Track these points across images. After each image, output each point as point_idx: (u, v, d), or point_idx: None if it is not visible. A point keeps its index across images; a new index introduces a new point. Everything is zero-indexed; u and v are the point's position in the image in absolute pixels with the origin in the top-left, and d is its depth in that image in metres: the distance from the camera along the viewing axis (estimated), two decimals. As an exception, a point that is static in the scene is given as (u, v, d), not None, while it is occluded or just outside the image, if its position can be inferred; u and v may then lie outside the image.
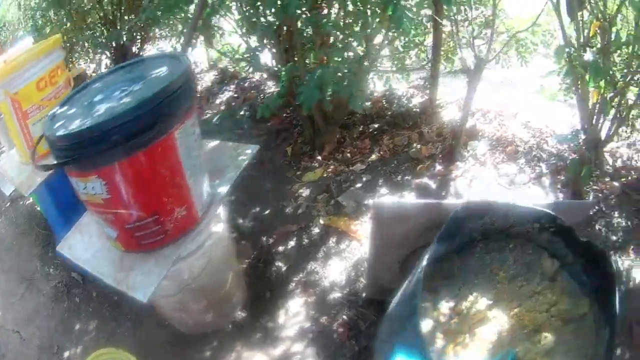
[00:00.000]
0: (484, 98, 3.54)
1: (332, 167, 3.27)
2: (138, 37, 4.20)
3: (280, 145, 3.54)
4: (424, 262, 1.76)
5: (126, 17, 4.04)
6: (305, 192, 3.20)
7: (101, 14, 4.05)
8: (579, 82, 2.61)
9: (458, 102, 3.56)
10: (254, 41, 3.14)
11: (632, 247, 3.07)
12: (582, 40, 2.46)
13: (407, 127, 3.43)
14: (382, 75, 3.43)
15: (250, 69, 3.49)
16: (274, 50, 3.11)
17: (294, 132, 3.58)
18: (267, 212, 3.19)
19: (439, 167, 3.21)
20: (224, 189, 2.13)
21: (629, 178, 3.33)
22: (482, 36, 3.16)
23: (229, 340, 2.53)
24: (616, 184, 3.24)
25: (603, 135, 2.91)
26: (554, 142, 3.32)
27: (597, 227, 3.08)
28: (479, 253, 2.12)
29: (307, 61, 3.05)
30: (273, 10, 2.80)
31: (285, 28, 3.00)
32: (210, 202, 2.07)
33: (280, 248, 2.96)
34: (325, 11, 2.99)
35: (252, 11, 2.99)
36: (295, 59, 2.94)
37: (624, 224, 3.09)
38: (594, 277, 1.92)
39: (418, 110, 3.56)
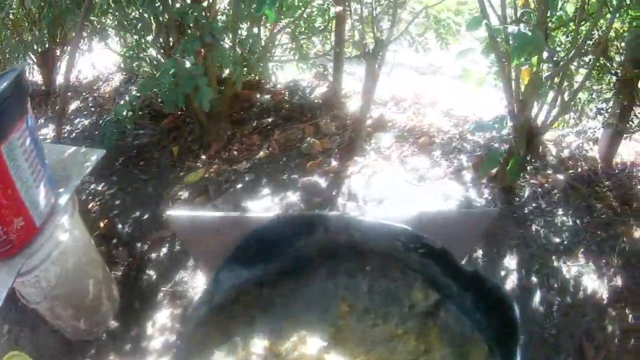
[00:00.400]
0: (402, 85, 2.96)
1: (215, 166, 2.74)
2: (58, 40, 3.90)
3: (169, 144, 3.11)
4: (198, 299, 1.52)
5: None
6: (184, 194, 2.78)
7: (28, 18, 3.78)
8: (504, 61, 2.17)
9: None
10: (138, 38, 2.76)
11: (581, 250, 2.39)
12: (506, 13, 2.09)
13: (304, 120, 2.86)
14: (282, 66, 2.91)
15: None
16: (159, 45, 2.71)
17: (186, 130, 3.09)
18: (145, 216, 2.87)
19: (334, 163, 2.60)
20: (64, 199, 2.09)
21: (578, 170, 2.59)
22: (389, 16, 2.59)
23: (105, 349, 2.45)
24: (561, 176, 2.56)
25: (540, 121, 2.42)
26: (481, 134, 2.66)
27: (534, 227, 2.40)
28: (321, 277, 1.61)
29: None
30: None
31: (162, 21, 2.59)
32: (51, 212, 2.03)
33: (153, 255, 2.68)
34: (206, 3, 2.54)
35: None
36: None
37: (570, 222, 2.43)
38: (492, 315, 1.37)
39: (320, 101, 2.99)
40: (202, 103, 2.31)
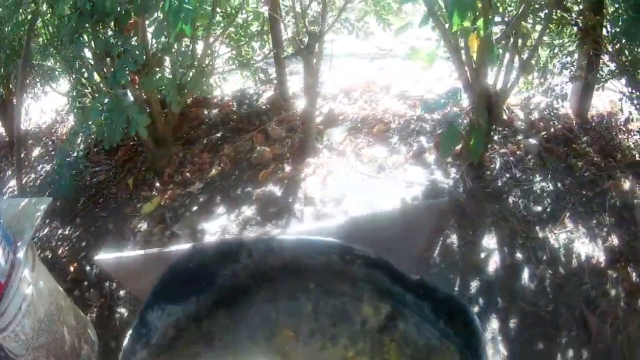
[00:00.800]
0: (352, 75, 2.72)
1: (170, 192, 2.52)
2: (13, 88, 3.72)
3: (124, 177, 2.86)
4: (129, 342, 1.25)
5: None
6: (143, 226, 2.52)
7: None
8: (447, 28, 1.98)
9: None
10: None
11: (567, 214, 2.16)
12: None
13: (253, 128, 2.62)
14: (225, 77, 2.68)
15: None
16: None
17: (139, 160, 2.88)
18: None
19: (287, 169, 2.35)
20: (22, 252, 1.96)
21: (551, 130, 2.33)
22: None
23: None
24: (533, 141, 2.30)
25: (499, 87, 2.17)
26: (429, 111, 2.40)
27: (510, 200, 2.13)
28: (261, 303, 1.40)
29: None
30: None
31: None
32: (12, 267, 1.93)
33: (122, 293, 2.46)
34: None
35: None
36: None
37: (550, 187, 2.17)
38: (456, 322, 1.17)
39: (267, 106, 2.75)
40: (139, 131, 2.09)
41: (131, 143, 2.95)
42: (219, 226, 2.27)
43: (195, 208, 2.40)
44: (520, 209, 2.17)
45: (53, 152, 3.52)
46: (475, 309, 1.97)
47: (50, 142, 3.65)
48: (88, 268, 2.62)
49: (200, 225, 2.32)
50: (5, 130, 3.86)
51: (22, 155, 3.09)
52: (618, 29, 2.17)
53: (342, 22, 2.53)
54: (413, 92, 2.59)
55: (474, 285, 2.02)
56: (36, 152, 3.68)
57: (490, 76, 2.13)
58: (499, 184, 2.25)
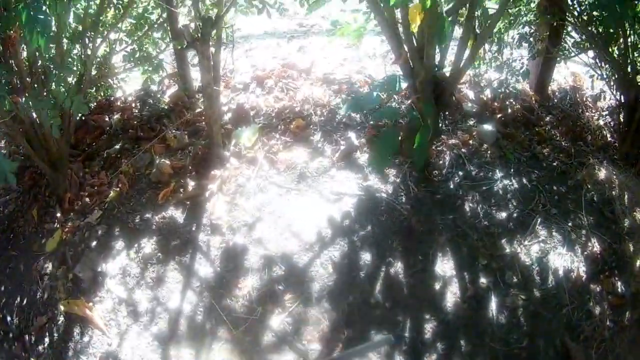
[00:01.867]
0: (267, 59, 2.08)
1: (70, 223, 1.99)
2: None
3: (30, 207, 2.23)
4: None
5: None
6: (49, 266, 1.99)
7: None
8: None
9: (225, 78, 2.08)
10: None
11: (539, 219, 1.70)
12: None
13: (154, 135, 1.99)
14: (125, 77, 2.03)
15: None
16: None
17: (43, 183, 2.25)
18: (24, 301, 2.10)
19: (189, 186, 1.74)
20: None
21: (509, 111, 1.78)
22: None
23: None
24: (488, 126, 1.77)
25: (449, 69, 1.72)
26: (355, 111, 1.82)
27: (467, 207, 1.74)
28: None
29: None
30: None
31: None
32: None
33: (40, 348, 1.95)
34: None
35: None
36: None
37: (515, 185, 1.93)
38: None
39: (170, 106, 2.12)
40: (8, 179, 1.53)
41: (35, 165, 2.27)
42: (120, 267, 1.68)
43: (94, 243, 1.87)
44: (480, 218, 1.66)
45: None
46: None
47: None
48: (9, 318, 2.08)
49: (100, 266, 1.74)
50: None
51: None
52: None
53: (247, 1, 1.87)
54: (338, 74, 2.02)
55: (430, 327, 1.49)
56: None
57: (437, 57, 1.56)
58: (451, 186, 1.71)
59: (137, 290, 1.70)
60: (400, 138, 1.65)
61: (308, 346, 1.46)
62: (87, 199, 2.05)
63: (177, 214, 1.82)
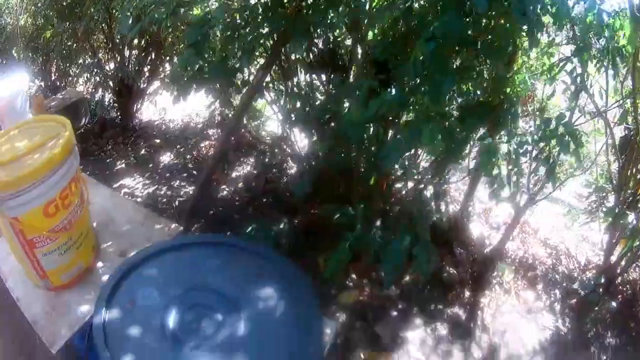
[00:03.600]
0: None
1: (367, 288, 2.59)
2: (146, 71, 3.00)
3: (310, 252, 2.65)
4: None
5: (135, 43, 2.83)
6: (341, 316, 2.52)
7: (106, 38, 2.82)
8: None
9: (485, 212, 2.96)
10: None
11: None
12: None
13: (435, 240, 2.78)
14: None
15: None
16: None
17: (324, 236, 2.73)
18: None
19: (467, 294, 2.64)
20: None
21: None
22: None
23: None
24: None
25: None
26: (567, 264, 2.89)
27: None
28: None
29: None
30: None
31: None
32: None
33: None
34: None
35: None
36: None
37: None
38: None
39: (448, 220, 2.92)
40: None
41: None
42: (419, 338, 2.49)
43: (394, 313, 2.54)
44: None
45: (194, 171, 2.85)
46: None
47: (188, 155, 2.98)
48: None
49: (401, 331, 2.48)
50: (121, 112, 3.11)
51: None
52: None
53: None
54: (552, 240, 2.99)
55: None
56: (165, 157, 2.97)
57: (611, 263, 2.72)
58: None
59: (431, 356, 2.47)
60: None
61: None
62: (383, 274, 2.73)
63: (460, 312, 2.65)
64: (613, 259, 2.61)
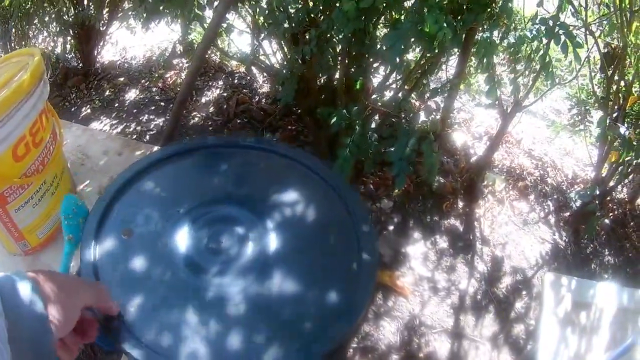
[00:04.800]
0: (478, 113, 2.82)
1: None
2: (105, 12, 2.74)
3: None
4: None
5: None
6: None
7: None
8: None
9: (466, 122, 2.77)
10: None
11: None
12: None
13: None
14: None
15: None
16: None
17: (305, 150, 2.47)
18: None
19: (461, 205, 2.48)
20: None
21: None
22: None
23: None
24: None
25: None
26: (554, 176, 2.80)
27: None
28: None
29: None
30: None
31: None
32: None
33: None
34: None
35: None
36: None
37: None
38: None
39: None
40: None
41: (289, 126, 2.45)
42: (420, 252, 2.36)
43: (391, 227, 2.38)
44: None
45: (161, 102, 2.54)
46: None
47: (154, 88, 2.62)
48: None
49: (403, 248, 2.35)
50: (82, 57, 2.78)
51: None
52: None
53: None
54: (536, 151, 2.86)
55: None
56: (130, 94, 2.65)
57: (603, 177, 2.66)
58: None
59: (436, 272, 2.38)
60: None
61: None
62: (371, 186, 2.49)
63: (457, 224, 2.50)
64: (603, 173, 2.53)
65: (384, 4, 1.88)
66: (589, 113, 2.89)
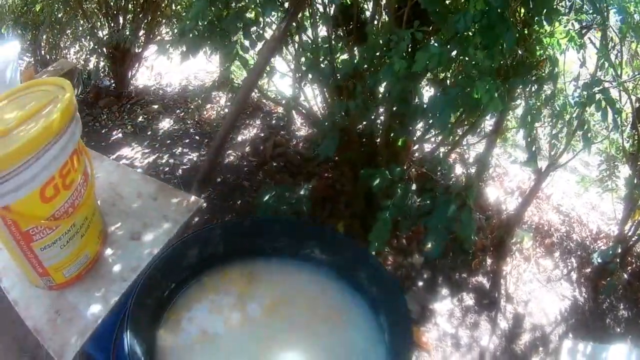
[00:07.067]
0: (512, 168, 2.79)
1: (390, 257, 2.31)
2: (141, 34, 2.57)
3: (327, 220, 2.41)
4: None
5: (130, 6, 2.44)
6: None
7: (99, 3, 2.42)
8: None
9: (499, 177, 2.74)
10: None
11: None
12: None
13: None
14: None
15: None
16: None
17: (341, 201, 2.45)
18: None
19: (489, 262, 2.45)
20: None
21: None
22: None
23: None
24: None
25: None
26: (580, 232, 2.76)
27: None
28: None
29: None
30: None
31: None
32: None
33: None
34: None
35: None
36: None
37: None
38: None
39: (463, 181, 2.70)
40: None
41: (325, 175, 2.41)
42: (447, 309, 2.31)
43: (420, 283, 2.34)
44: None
45: (196, 136, 2.49)
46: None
47: (190, 120, 2.57)
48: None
49: (430, 304, 2.29)
50: (116, 79, 2.70)
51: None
52: None
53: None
54: (565, 206, 2.82)
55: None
56: (164, 123, 2.57)
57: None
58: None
59: (460, 328, 2.33)
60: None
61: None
62: (404, 240, 2.47)
63: (484, 281, 2.46)
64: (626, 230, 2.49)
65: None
66: (617, 168, 2.85)
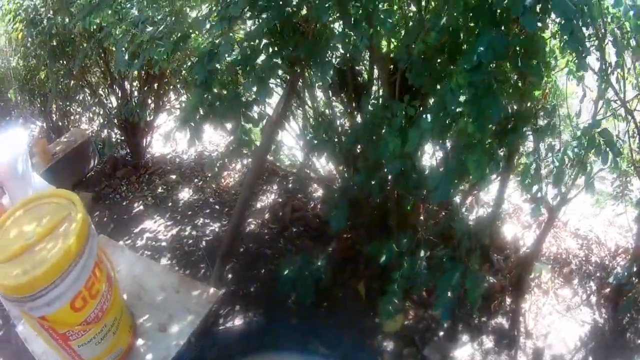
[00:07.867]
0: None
1: (411, 311, 2.39)
2: (151, 102, 2.67)
3: (348, 281, 2.46)
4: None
5: (135, 74, 2.53)
6: (389, 345, 2.35)
7: (103, 73, 2.50)
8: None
9: (516, 212, 2.76)
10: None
11: None
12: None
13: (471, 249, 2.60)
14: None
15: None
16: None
17: (360, 261, 2.50)
18: None
19: (508, 301, 2.51)
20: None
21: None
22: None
23: None
24: None
25: None
26: (598, 252, 2.76)
27: None
28: None
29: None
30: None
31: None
32: None
33: None
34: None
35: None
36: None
37: None
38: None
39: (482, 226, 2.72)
40: None
41: (344, 236, 2.44)
42: (468, 355, 2.39)
43: (441, 333, 2.38)
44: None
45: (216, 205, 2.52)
46: None
47: (208, 189, 2.64)
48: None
49: (450, 352, 2.34)
50: (131, 150, 2.77)
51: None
52: None
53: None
54: (582, 230, 2.81)
55: None
56: (184, 193, 2.66)
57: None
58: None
59: None
60: None
61: None
62: (424, 293, 2.52)
63: (503, 322, 2.49)
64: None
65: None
66: (630, 182, 2.80)
